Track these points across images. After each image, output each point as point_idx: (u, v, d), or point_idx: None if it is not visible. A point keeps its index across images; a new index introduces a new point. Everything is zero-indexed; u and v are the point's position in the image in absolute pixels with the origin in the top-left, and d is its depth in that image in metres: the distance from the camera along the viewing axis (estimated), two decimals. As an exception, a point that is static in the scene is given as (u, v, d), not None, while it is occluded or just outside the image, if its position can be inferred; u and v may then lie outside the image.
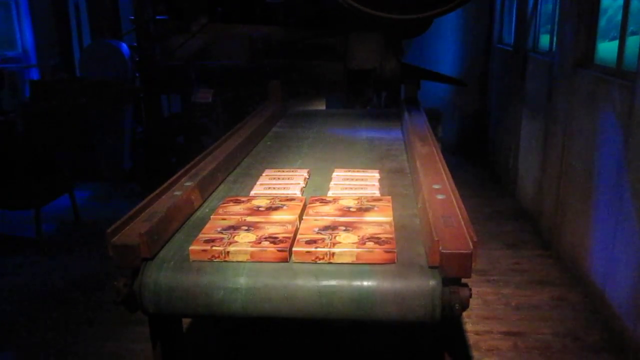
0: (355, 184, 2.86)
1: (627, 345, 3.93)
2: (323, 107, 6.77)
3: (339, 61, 6.81)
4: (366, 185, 2.85)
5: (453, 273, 1.97)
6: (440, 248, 1.96)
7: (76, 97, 7.65)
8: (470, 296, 1.97)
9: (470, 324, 4.28)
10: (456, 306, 1.94)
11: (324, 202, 2.53)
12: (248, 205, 2.53)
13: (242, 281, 2.05)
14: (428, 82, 7.60)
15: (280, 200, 2.55)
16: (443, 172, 2.92)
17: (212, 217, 2.40)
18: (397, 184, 3.00)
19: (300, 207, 2.44)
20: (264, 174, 3.08)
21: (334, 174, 3.06)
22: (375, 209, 2.41)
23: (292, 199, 2.58)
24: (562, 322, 4.34)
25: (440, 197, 2.50)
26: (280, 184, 2.88)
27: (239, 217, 2.37)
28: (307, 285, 2.02)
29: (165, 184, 2.75)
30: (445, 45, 9.57)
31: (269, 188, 2.81)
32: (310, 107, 6.50)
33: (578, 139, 5.06)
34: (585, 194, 4.81)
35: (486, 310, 4.49)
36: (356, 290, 2.00)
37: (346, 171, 3.10)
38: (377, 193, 2.71)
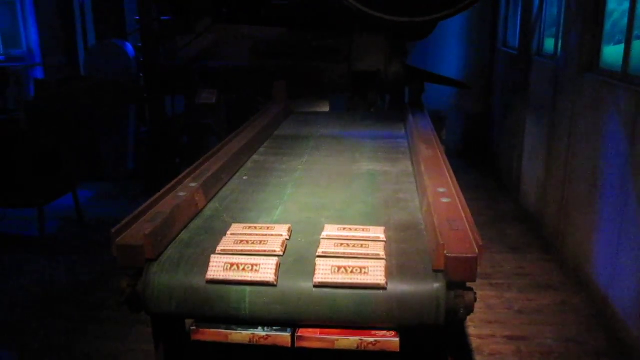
0: (352, 254, 2.10)
1: (630, 350, 3.92)
2: (327, 109, 6.76)
3: (343, 63, 6.81)
4: (367, 256, 2.09)
5: (458, 277, 1.96)
6: (445, 252, 1.95)
7: (80, 96, 7.66)
8: (476, 300, 1.96)
9: (474, 328, 4.27)
10: (461, 310, 1.93)
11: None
12: None
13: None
14: (432, 84, 7.60)
15: None
16: (448, 175, 2.91)
17: None
18: (409, 249, 2.22)
19: None
20: (229, 233, 2.32)
21: (324, 233, 2.30)
22: None
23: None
24: (566, 327, 4.32)
25: (445, 200, 2.50)
26: (249, 251, 2.14)
27: None
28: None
29: (169, 185, 2.75)
30: (449, 47, 9.56)
31: (231, 266, 2.06)
32: (314, 109, 6.48)
33: (583, 142, 5.04)
34: (589, 198, 4.79)
35: (489, 314, 4.48)
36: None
37: (340, 229, 2.33)
38: (381, 274, 1.99)
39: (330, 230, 2.33)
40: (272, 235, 2.27)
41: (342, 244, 2.16)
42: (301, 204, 2.84)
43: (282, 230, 2.33)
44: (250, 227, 2.37)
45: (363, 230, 2.32)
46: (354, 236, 2.25)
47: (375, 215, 2.65)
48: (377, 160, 3.69)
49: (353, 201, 2.87)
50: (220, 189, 3.07)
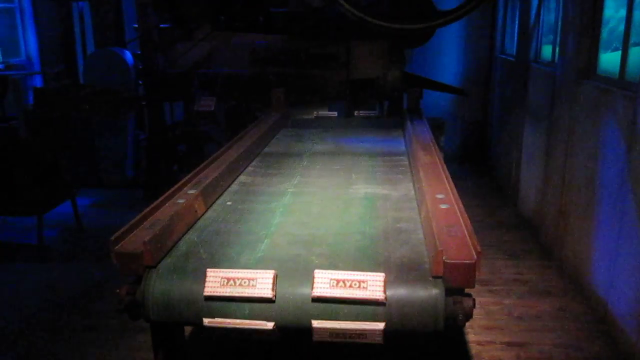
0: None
1: (630, 356, 3.91)
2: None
3: (342, 70, 6.84)
4: (365, 328, 1.90)
5: (457, 283, 1.96)
6: (444, 258, 1.95)
7: (79, 104, 7.68)
8: (474, 306, 1.96)
9: (473, 335, 4.26)
10: (460, 316, 1.94)
11: None
12: None
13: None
14: (430, 91, 7.62)
15: None
16: (446, 181, 2.92)
17: None
18: (413, 302, 1.98)
19: None
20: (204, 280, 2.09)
21: (315, 286, 2.01)
22: None
23: None
24: (565, 333, 4.31)
25: (443, 206, 2.50)
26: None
27: None
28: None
29: (169, 192, 2.75)
30: (447, 54, 9.59)
31: None
32: (312, 117, 6.49)
33: (580, 148, 5.06)
34: (587, 204, 4.80)
35: (488, 321, 4.47)
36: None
37: (332, 277, 2.02)
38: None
39: (321, 277, 2.01)
40: (255, 285, 2.01)
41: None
42: (290, 236, 2.52)
43: (266, 277, 2.02)
44: (228, 277, 2.04)
45: (360, 279, 2.00)
46: (349, 282, 2.00)
47: (374, 248, 2.35)
48: (375, 181, 3.37)
49: (348, 232, 2.54)
50: (217, 197, 3.07)
